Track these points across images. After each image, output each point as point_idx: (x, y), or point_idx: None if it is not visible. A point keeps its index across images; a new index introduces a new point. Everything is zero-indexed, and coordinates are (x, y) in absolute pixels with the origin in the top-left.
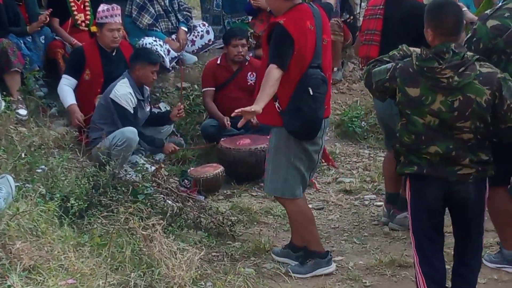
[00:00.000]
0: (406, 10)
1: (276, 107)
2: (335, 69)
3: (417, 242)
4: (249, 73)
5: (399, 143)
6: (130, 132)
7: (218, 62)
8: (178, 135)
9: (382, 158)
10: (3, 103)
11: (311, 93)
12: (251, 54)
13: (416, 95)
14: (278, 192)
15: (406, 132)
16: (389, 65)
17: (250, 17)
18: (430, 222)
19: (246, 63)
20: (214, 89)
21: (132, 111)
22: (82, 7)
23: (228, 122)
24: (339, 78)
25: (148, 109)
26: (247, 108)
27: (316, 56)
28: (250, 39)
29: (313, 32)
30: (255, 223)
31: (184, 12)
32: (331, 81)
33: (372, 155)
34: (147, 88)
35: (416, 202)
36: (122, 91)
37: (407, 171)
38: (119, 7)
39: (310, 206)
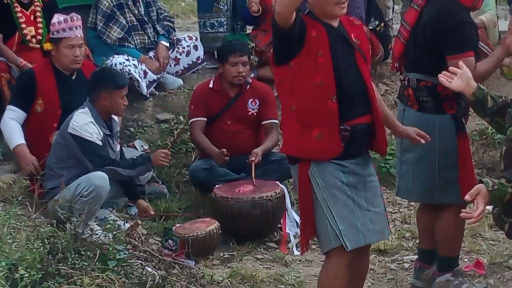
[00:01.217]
0: (434, 12)
1: None
2: None
3: None
4: (250, 100)
5: None
6: (99, 178)
7: (211, 85)
8: (160, 182)
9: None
10: None
11: None
12: (252, 75)
13: None
14: None
15: None
16: None
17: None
18: None
19: (247, 87)
20: (205, 119)
21: (100, 143)
22: (32, 18)
23: (227, 155)
24: None
25: (118, 148)
26: None
27: None
28: (252, 56)
29: None
30: None
31: (165, 22)
32: None
33: (412, 204)
34: (117, 121)
35: None
36: (81, 121)
37: None
38: (79, 17)
39: None
